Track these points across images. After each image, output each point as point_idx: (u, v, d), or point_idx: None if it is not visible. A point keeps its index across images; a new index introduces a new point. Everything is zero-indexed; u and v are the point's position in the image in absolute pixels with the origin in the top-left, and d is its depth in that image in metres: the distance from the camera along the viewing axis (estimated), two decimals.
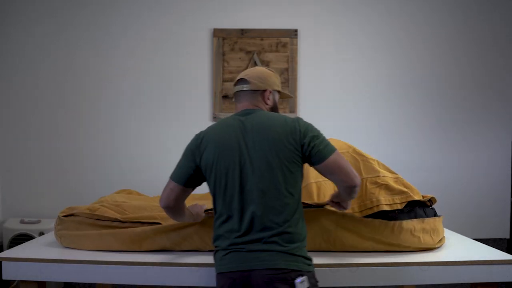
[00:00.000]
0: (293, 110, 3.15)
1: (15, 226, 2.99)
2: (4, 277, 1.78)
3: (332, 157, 1.47)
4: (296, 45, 3.16)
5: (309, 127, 1.51)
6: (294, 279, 1.38)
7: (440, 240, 1.95)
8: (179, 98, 3.18)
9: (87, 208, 1.98)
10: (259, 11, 3.18)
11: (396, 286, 2.59)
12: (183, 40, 3.18)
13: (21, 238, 2.92)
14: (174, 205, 1.60)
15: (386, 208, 1.82)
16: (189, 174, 1.57)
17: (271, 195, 1.44)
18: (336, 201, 1.65)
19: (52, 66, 3.18)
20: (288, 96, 1.79)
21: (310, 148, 1.47)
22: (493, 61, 3.22)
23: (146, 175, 3.16)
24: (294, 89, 3.15)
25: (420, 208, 1.92)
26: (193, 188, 1.61)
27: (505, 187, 3.22)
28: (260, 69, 1.69)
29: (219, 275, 1.47)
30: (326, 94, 3.19)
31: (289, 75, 3.16)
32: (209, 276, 1.73)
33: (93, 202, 2.23)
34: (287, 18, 3.17)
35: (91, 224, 1.90)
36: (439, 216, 1.97)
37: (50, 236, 2.16)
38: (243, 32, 3.15)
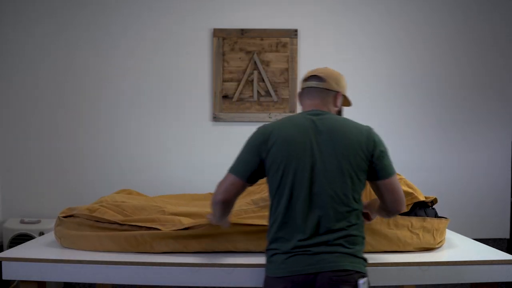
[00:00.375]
0: (293, 110, 3.15)
1: (15, 226, 2.99)
2: (4, 277, 1.78)
3: (393, 178, 1.51)
4: (296, 45, 3.16)
5: (381, 141, 1.52)
6: (357, 280, 1.40)
7: (441, 241, 1.95)
8: (179, 98, 3.18)
9: (86, 208, 1.98)
10: (259, 11, 3.18)
11: (396, 286, 2.59)
12: (183, 40, 3.18)
13: (21, 238, 2.92)
14: (231, 200, 1.58)
15: None
16: (253, 169, 1.52)
17: (339, 200, 1.44)
18: (365, 211, 1.67)
19: (52, 66, 3.18)
20: (349, 103, 1.75)
21: (378, 162, 1.48)
22: (493, 61, 3.22)
23: (146, 175, 3.16)
24: (294, 89, 3.15)
25: (420, 208, 1.93)
26: (253, 184, 1.57)
27: (505, 187, 3.22)
28: (332, 70, 1.66)
29: (277, 279, 1.43)
30: None
31: (289, 75, 3.16)
32: (210, 276, 1.73)
33: (93, 202, 2.23)
34: (287, 18, 3.17)
35: (90, 225, 1.90)
36: (445, 218, 1.97)
37: (50, 236, 2.16)
38: (243, 32, 3.15)
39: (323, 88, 1.59)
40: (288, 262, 1.43)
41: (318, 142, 1.47)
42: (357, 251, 1.45)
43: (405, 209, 1.55)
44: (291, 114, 1.65)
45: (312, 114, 1.55)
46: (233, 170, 1.56)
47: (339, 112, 1.68)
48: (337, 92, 1.61)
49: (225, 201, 1.56)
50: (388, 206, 1.54)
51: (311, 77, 1.62)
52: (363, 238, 1.50)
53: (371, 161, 1.48)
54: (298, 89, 1.68)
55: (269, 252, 1.51)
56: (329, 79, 1.60)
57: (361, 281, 1.39)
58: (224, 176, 1.59)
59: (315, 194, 1.44)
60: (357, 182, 1.47)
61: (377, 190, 1.53)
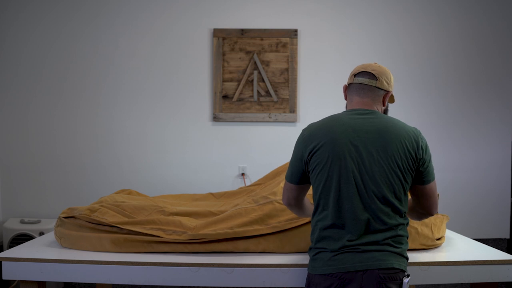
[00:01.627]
0: (293, 110, 3.15)
1: (15, 226, 2.99)
2: (4, 277, 1.78)
3: (433, 183, 1.53)
4: (296, 45, 3.16)
5: (427, 145, 1.52)
6: (402, 279, 1.42)
7: (440, 238, 1.95)
8: (179, 98, 3.18)
9: (87, 209, 1.98)
10: (259, 11, 3.18)
11: None
12: (183, 40, 3.18)
13: (21, 238, 2.92)
14: (295, 203, 1.63)
15: None
16: (300, 173, 1.55)
17: (386, 201, 1.43)
18: None
19: (51, 67, 3.18)
20: (393, 100, 1.73)
21: (425, 166, 1.49)
22: (493, 61, 3.22)
23: (146, 175, 3.16)
24: (294, 89, 3.15)
25: None
26: (310, 184, 1.58)
27: (505, 187, 3.22)
28: (383, 67, 1.61)
29: (324, 276, 1.44)
30: (326, 94, 3.19)
31: (289, 75, 3.16)
32: (210, 276, 1.73)
33: (93, 203, 2.23)
34: (287, 18, 3.18)
35: (91, 227, 1.91)
36: (442, 214, 1.98)
37: (50, 236, 2.16)
38: (243, 32, 3.15)
39: (375, 86, 1.56)
40: (336, 259, 1.43)
41: (365, 143, 1.45)
42: (403, 251, 1.46)
43: (435, 213, 1.58)
44: (335, 113, 1.62)
45: (360, 113, 1.52)
46: (286, 176, 1.61)
47: (386, 111, 1.66)
48: (387, 91, 1.59)
49: (290, 205, 1.65)
50: (423, 209, 1.56)
51: (363, 73, 1.58)
52: (407, 237, 1.51)
53: (418, 165, 1.47)
54: (347, 82, 1.64)
55: (314, 251, 1.51)
56: (382, 78, 1.56)
57: (406, 280, 1.42)
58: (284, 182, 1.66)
59: (363, 195, 1.44)
60: (404, 183, 1.46)
61: (415, 193, 1.54)
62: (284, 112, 3.15)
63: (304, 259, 1.78)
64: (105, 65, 3.18)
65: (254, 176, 3.12)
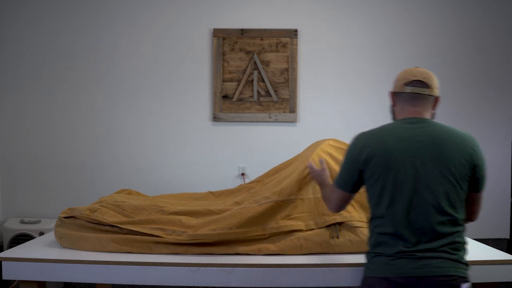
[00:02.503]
0: (293, 110, 3.15)
1: (15, 226, 2.99)
2: (4, 277, 1.78)
3: (483, 191, 1.55)
4: (296, 45, 3.16)
5: (482, 152, 1.52)
6: (460, 285, 1.42)
7: None
8: (179, 98, 3.18)
9: (87, 209, 1.98)
10: (259, 11, 3.18)
11: None
12: (183, 40, 3.18)
13: (21, 238, 2.92)
14: (344, 207, 1.68)
15: None
16: (354, 181, 1.57)
17: (442, 209, 1.44)
18: None
19: (51, 67, 3.17)
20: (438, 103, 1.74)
21: (479, 174, 1.49)
22: (493, 61, 3.22)
23: (146, 175, 3.16)
24: (294, 89, 3.15)
25: None
26: (358, 191, 1.63)
27: (505, 187, 3.22)
28: (428, 71, 1.59)
29: (379, 279, 1.46)
30: (326, 94, 3.19)
31: (289, 75, 3.16)
32: (210, 276, 1.73)
33: (93, 202, 2.23)
34: (287, 18, 3.17)
35: (91, 228, 1.91)
36: None
37: (50, 236, 2.16)
38: (243, 32, 3.15)
39: (427, 95, 1.55)
40: (393, 263, 1.45)
41: (419, 152, 1.46)
42: (461, 257, 1.46)
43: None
44: (388, 123, 1.61)
45: (413, 122, 1.53)
46: (337, 183, 1.63)
47: (433, 115, 1.64)
48: (436, 97, 1.59)
49: (339, 211, 1.69)
50: (467, 216, 1.58)
51: (414, 82, 1.56)
52: (466, 243, 1.51)
53: (473, 172, 1.48)
54: (392, 89, 1.63)
55: (371, 255, 1.53)
56: (432, 84, 1.55)
57: (464, 286, 1.42)
58: (330, 188, 1.69)
59: (418, 204, 1.44)
60: (460, 191, 1.47)
61: (465, 199, 1.54)
62: (284, 112, 3.15)
63: (304, 259, 1.78)
64: (105, 65, 3.18)
65: (254, 176, 3.12)
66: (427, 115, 1.56)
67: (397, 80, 1.61)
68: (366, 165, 1.51)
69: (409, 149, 1.47)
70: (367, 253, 1.56)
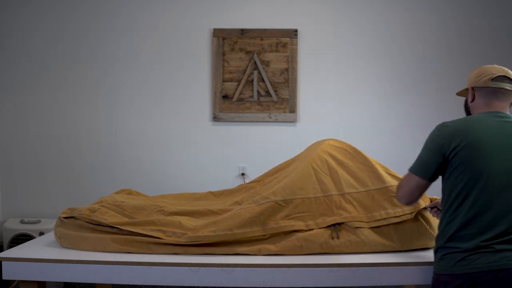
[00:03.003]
0: (293, 110, 3.15)
1: (15, 226, 2.99)
2: (4, 277, 1.78)
3: None
4: (296, 45, 3.16)
5: None
6: None
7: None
8: (179, 98, 3.18)
9: (87, 209, 1.98)
10: (259, 11, 3.18)
11: (396, 286, 2.59)
12: (183, 40, 3.18)
13: (21, 238, 2.92)
14: (417, 200, 1.64)
15: (396, 220, 1.83)
16: (435, 168, 1.54)
17: None
18: (433, 207, 1.81)
19: (51, 67, 3.18)
20: None
21: None
22: (493, 61, 3.21)
23: (146, 175, 3.16)
24: (294, 89, 3.15)
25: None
26: (434, 181, 1.60)
27: None
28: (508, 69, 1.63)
29: (453, 276, 1.45)
30: (326, 94, 3.19)
31: (289, 75, 3.16)
32: (210, 276, 1.72)
33: (93, 202, 2.23)
34: (287, 18, 3.17)
35: (91, 228, 1.91)
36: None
37: (50, 236, 2.16)
38: (243, 32, 3.15)
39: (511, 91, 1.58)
40: (469, 259, 1.43)
41: (510, 146, 1.46)
42: None
43: None
44: (472, 115, 1.62)
45: (501, 116, 1.53)
46: (416, 171, 1.58)
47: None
48: None
49: (410, 203, 1.66)
50: None
51: (502, 78, 1.58)
52: None
53: None
54: (475, 84, 1.62)
55: (443, 250, 1.51)
56: None
57: None
58: (405, 176, 1.63)
59: (504, 198, 1.43)
60: None
61: None
62: (284, 112, 3.15)
63: (304, 260, 1.77)
64: (105, 65, 3.18)
65: (254, 176, 3.12)
66: (507, 111, 1.58)
67: (478, 75, 1.62)
68: (457, 153, 1.48)
69: (503, 142, 1.46)
70: (439, 249, 1.53)
